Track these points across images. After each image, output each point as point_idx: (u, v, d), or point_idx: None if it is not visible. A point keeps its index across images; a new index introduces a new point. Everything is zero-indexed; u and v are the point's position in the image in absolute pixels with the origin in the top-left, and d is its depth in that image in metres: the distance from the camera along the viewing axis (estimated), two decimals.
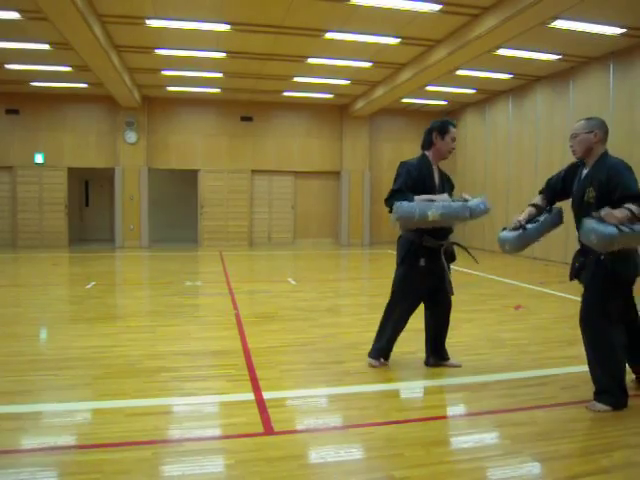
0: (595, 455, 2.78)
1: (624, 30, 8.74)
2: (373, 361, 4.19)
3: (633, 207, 3.09)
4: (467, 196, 3.98)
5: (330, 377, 4.03)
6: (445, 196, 4.00)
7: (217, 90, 13.98)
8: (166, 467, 2.64)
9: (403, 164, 4.15)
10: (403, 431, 3.04)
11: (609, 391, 3.31)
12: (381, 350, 4.21)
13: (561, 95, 11.57)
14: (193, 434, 3.01)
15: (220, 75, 12.34)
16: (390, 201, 4.03)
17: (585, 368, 4.10)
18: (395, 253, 4.21)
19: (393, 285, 4.22)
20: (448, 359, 4.24)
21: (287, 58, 10.94)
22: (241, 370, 4.15)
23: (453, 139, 4.07)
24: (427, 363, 4.23)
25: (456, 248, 4.26)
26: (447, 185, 4.26)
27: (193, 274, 10.23)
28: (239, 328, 5.50)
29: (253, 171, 15.71)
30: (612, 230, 3.02)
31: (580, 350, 4.62)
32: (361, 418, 3.26)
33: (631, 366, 3.64)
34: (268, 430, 3.06)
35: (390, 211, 4.00)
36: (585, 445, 2.89)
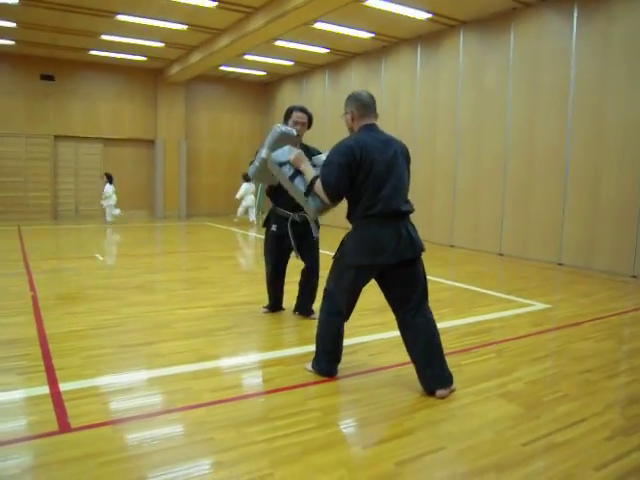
0: (400, 418, 2.91)
1: (430, 15, 9.35)
2: (263, 309, 5.05)
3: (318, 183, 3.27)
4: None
5: (139, 360, 3.75)
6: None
7: (10, 42, 12.32)
8: None
9: None
10: (214, 413, 2.91)
11: (315, 356, 3.53)
12: (272, 303, 5.02)
13: (374, 72, 12.14)
14: None
15: (13, 25, 10.86)
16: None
17: (393, 333, 4.35)
18: None
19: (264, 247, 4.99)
20: (312, 313, 4.83)
21: (92, 12, 9.94)
22: (35, 360, 3.68)
23: (295, 122, 4.45)
24: (294, 311, 4.99)
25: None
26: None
27: None
28: (35, 312, 4.91)
29: (57, 137, 14.24)
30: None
31: (389, 316, 4.90)
32: (171, 403, 3.06)
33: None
34: (64, 427, 2.73)
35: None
36: (391, 410, 3.01)
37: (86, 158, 14.76)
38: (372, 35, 10.84)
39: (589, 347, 4.23)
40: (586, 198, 7.89)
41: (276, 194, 4.52)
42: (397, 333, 4.33)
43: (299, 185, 3.39)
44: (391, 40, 11.25)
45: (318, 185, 3.23)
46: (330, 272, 3.42)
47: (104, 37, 11.68)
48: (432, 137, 10.42)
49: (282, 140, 4.01)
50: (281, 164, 3.49)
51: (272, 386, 3.37)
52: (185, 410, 2.96)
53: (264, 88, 16.84)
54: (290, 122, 4.45)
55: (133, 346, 4.02)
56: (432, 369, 3.20)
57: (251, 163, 4.33)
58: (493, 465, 2.43)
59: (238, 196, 13.81)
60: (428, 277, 3.37)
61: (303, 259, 4.70)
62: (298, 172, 3.42)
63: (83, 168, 14.70)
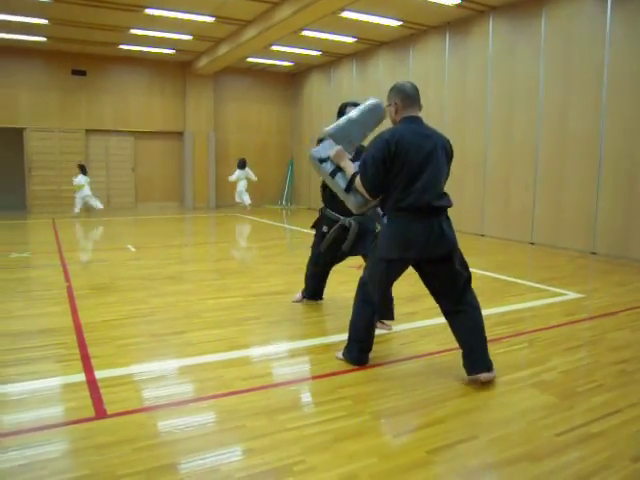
0: (431, 407, 2.90)
1: (459, 1, 9.20)
2: (298, 295, 5.06)
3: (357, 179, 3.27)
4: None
5: (170, 349, 3.81)
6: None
7: (43, 39, 12.54)
8: None
9: None
10: (246, 401, 2.94)
11: (347, 345, 3.51)
12: (310, 292, 4.99)
13: (402, 61, 12.01)
14: (11, 427, 2.64)
15: (46, 22, 11.05)
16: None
17: (423, 322, 4.33)
18: None
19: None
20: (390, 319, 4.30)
21: (122, 6, 10.04)
22: (71, 349, 3.77)
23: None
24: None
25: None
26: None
27: (20, 244, 9.20)
28: (70, 302, 5.02)
29: (88, 131, 14.48)
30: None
31: (419, 306, 4.90)
32: (202, 391, 3.10)
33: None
34: (100, 413, 2.79)
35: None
36: (422, 399, 3.00)
37: (117, 151, 14.98)
38: (400, 23, 10.72)
39: (624, 337, 4.15)
40: (621, 185, 7.69)
41: (327, 194, 4.42)
42: (428, 322, 4.35)
43: (340, 181, 3.39)
44: (419, 28, 11.11)
45: (358, 181, 3.24)
46: (367, 262, 3.46)
47: (133, 31, 11.81)
48: (461, 126, 10.26)
49: (372, 113, 3.82)
50: (321, 160, 3.49)
51: (303, 374, 3.40)
52: (217, 398, 2.99)
53: (291, 79, 16.83)
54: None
55: (164, 335, 4.09)
56: (476, 353, 3.20)
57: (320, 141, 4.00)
58: (525, 455, 2.40)
59: (231, 179, 14.24)
60: None
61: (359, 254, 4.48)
62: (339, 168, 3.42)
63: (114, 161, 14.94)
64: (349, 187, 3.33)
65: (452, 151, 3.33)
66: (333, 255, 4.61)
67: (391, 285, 3.47)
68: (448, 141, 3.32)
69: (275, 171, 16.91)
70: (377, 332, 3.98)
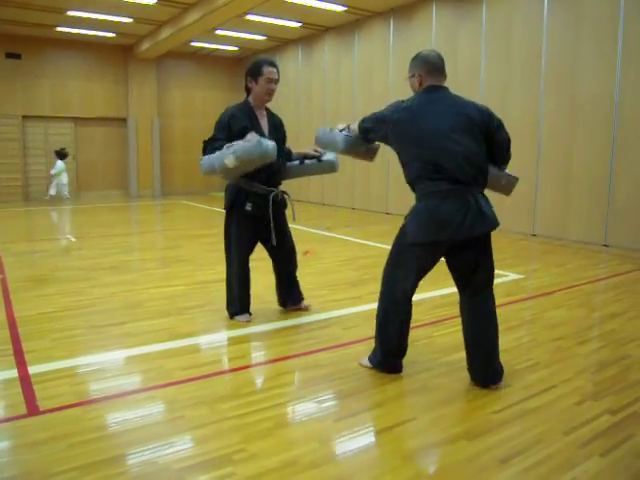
0: (371, 391, 2.92)
1: None
2: (241, 317, 4.03)
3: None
4: (320, 150, 4.04)
5: (109, 341, 3.70)
6: (250, 136, 3.54)
7: None
8: None
9: (225, 111, 3.89)
10: (186, 390, 2.89)
11: (374, 352, 3.16)
12: (239, 307, 4.06)
13: (347, 46, 11.99)
14: None
15: None
16: (201, 156, 3.75)
17: (367, 306, 4.36)
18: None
19: (225, 235, 4.05)
20: (302, 300, 4.30)
21: None
22: (4, 344, 3.61)
23: (269, 80, 3.78)
24: (284, 306, 4.31)
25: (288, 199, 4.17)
26: (280, 131, 4.11)
27: None
28: (4, 295, 4.81)
29: (24, 117, 13.88)
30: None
31: (363, 290, 4.93)
32: (141, 382, 3.03)
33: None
34: (32, 410, 2.68)
35: None
36: (362, 383, 3.01)
37: (56, 138, 14.41)
38: (344, 8, 10.67)
39: (561, 315, 4.29)
40: (558, 168, 7.93)
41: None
42: (371, 306, 4.35)
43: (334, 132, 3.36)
44: (364, 13, 11.10)
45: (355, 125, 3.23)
46: (389, 254, 3.05)
47: (70, 13, 11.33)
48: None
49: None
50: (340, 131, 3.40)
51: (244, 362, 3.36)
52: (156, 389, 2.93)
53: (237, 64, 16.56)
54: (262, 80, 3.77)
55: (104, 327, 3.97)
56: (480, 361, 2.95)
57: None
58: (464, 433, 2.45)
59: (53, 172, 13.47)
60: None
61: (276, 243, 4.01)
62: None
63: (53, 148, 14.36)
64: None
65: (486, 120, 2.89)
66: (254, 239, 4.05)
67: (423, 275, 3.00)
68: (481, 110, 2.91)
69: None
70: (317, 317, 4.00)
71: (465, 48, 9.28)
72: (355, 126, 3.26)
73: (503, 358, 3.27)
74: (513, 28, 8.45)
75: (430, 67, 2.97)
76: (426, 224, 2.84)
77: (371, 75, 11.33)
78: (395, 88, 10.67)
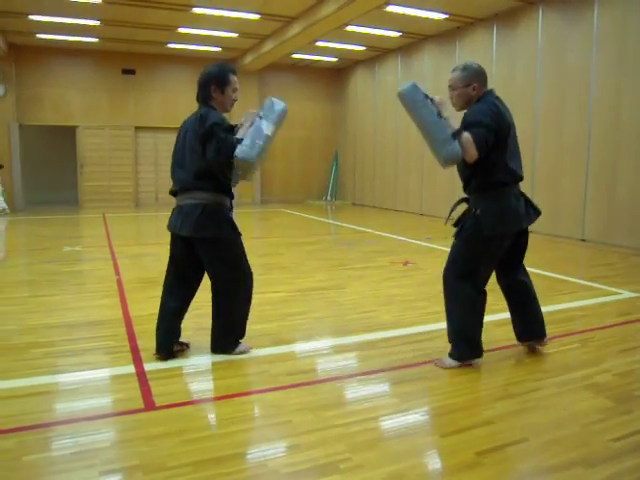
0: (480, 407, 2.84)
1: None
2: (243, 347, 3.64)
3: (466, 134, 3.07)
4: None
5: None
6: (249, 115, 3.42)
7: (94, 40, 12.87)
8: (31, 457, 2.35)
9: (211, 117, 3.34)
10: (291, 396, 2.95)
11: (455, 345, 3.34)
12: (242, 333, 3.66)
13: (448, 54, 11.80)
14: (64, 417, 2.73)
15: (97, 23, 11.33)
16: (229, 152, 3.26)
17: (496, 316, 4.24)
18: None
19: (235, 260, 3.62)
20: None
21: (169, 6, 10.21)
22: (121, 341, 3.86)
23: (235, 89, 3.46)
24: None
25: None
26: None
27: (72, 238, 9.48)
28: (120, 295, 5.15)
29: (137, 128, 14.81)
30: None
31: (497, 296, 4.81)
32: (248, 385, 3.13)
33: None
34: (149, 405, 2.84)
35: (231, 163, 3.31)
36: (470, 398, 2.94)
37: (165, 147, 15.26)
38: (446, 16, 10.52)
39: None
40: None
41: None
42: (502, 315, 4.22)
43: (445, 126, 3.10)
44: (466, 20, 10.89)
45: (467, 137, 3.05)
46: (457, 254, 3.31)
47: (181, 30, 11.99)
48: None
49: (284, 119, 3.41)
50: (426, 97, 3.21)
51: (349, 371, 3.37)
52: (262, 393, 3.01)
53: (336, 74, 16.78)
54: (229, 90, 3.46)
55: (208, 329, 4.12)
56: (533, 320, 3.50)
57: (221, 142, 3.26)
58: (580, 460, 2.32)
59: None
60: None
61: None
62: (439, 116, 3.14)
63: (162, 157, 15.22)
64: (456, 134, 3.08)
65: None
66: None
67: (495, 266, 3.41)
68: None
69: (320, 166, 16.92)
70: (420, 329, 3.96)
71: (574, 54, 8.85)
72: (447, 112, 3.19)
73: (619, 382, 3.11)
74: (627, 31, 7.97)
75: (483, 78, 3.36)
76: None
77: None
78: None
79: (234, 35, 12.47)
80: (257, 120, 3.31)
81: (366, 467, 2.25)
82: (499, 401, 2.89)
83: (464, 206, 3.40)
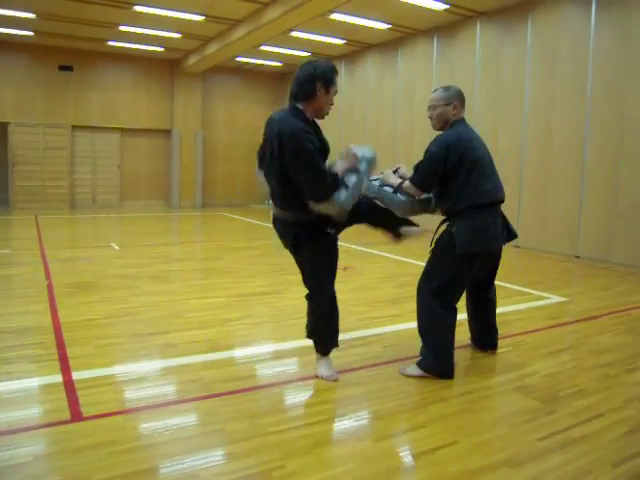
0: (413, 411, 2.87)
1: (447, 6, 9.22)
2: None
3: (406, 182, 3.33)
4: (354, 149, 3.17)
5: (151, 350, 3.75)
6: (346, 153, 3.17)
7: (30, 33, 12.37)
8: None
9: (303, 132, 2.96)
10: (227, 403, 2.90)
11: (424, 356, 3.31)
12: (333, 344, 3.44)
13: (390, 63, 12.01)
14: None
15: (33, 16, 10.89)
16: (328, 192, 2.97)
17: (406, 325, 4.31)
18: None
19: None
20: None
21: (110, 3, 9.93)
22: (49, 349, 3.70)
23: (336, 92, 3.09)
24: None
25: None
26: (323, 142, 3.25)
27: (1, 241, 9.07)
28: (50, 301, 4.94)
29: (74, 127, 14.32)
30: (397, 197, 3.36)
31: (403, 308, 4.88)
32: (182, 393, 3.06)
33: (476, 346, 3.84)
34: (76, 416, 2.73)
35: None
36: (404, 402, 2.97)
37: (103, 148, 14.84)
38: (388, 26, 10.71)
39: (607, 341, 4.15)
40: (604, 189, 7.73)
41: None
42: (411, 325, 4.30)
43: (394, 195, 3.39)
44: (408, 31, 11.12)
45: (406, 184, 3.34)
46: (431, 269, 3.37)
47: (121, 28, 11.68)
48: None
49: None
50: (382, 186, 3.43)
51: (285, 377, 3.34)
52: (197, 400, 2.95)
53: (280, 79, 16.77)
54: (332, 91, 3.05)
55: (146, 335, 4.03)
56: (493, 333, 3.80)
57: (324, 190, 2.94)
58: (507, 460, 2.38)
59: None
60: None
61: None
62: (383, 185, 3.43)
63: (100, 157, 14.78)
64: (397, 188, 3.37)
65: None
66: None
67: (467, 284, 3.50)
68: None
69: None
70: (356, 335, 3.97)
71: (509, 66, 9.18)
72: (393, 179, 3.44)
73: (546, 383, 3.21)
74: (559, 45, 8.33)
75: (462, 99, 3.46)
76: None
77: (413, 93, 11.30)
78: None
79: (177, 36, 12.26)
80: (362, 171, 3.05)
81: (299, 474, 2.24)
82: (432, 405, 2.94)
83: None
